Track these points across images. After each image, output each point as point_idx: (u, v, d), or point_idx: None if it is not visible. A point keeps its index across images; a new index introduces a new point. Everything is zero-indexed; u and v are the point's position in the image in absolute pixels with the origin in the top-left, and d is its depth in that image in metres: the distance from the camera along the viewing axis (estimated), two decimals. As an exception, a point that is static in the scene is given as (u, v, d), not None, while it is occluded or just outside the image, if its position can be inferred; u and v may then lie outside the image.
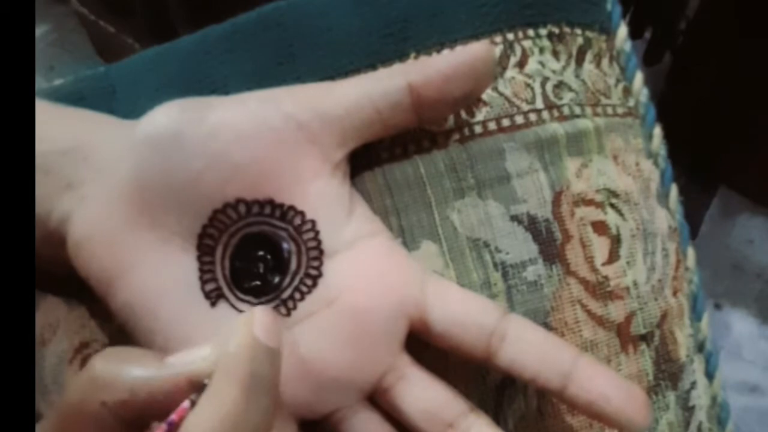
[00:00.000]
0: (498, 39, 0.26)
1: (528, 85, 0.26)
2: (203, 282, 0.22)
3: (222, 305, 0.22)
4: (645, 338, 0.26)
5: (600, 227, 0.26)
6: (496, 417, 0.24)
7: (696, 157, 0.90)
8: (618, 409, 0.21)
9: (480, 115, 0.25)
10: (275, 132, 0.22)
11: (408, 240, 0.24)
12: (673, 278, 0.27)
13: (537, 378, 0.22)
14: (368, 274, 0.23)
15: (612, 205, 0.26)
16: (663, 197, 0.29)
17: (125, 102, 0.26)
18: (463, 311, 0.23)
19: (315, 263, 0.23)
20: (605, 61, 0.28)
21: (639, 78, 0.29)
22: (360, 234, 0.23)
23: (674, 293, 0.27)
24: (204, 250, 0.22)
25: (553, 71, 0.27)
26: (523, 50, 0.26)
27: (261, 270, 0.23)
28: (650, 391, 0.26)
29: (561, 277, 0.25)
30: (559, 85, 0.26)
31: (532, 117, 0.26)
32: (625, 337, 0.25)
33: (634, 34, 0.83)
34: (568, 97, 0.26)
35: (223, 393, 0.17)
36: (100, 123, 0.23)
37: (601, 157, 0.26)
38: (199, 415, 0.17)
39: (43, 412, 0.25)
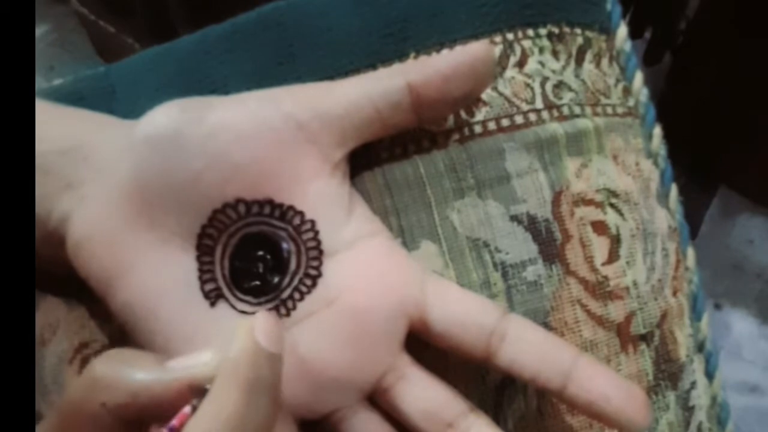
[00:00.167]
0: (498, 39, 0.26)
1: (528, 85, 0.26)
2: (203, 282, 0.22)
3: (221, 305, 0.22)
4: (645, 338, 0.26)
5: (600, 227, 0.26)
6: (496, 417, 0.24)
7: (696, 157, 0.90)
8: (618, 409, 0.21)
9: (480, 115, 0.25)
10: (275, 132, 0.22)
11: (408, 240, 0.24)
12: (673, 278, 0.27)
13: (537, 378, 0.22)
14: (368, 274, 0.23)
15: (612, 205, 0.26)
16: (663, 197, 0.29)
17: (125, 102, 0.26)
18: (462, 311, 0.23)
19: (314, 263, 0.23)
20: (605, 61, 0.28)
21: (639, 78, 0.29)
22: (360, 234, 0.23)
23: (674, 293, 0.27)
24: (203, 250, 0.22)
25: (553, 71, 0.27)
26: (523, 50, 0.26)
27: (260, 270, 0.23)
28: (650, 391, 0.26)
29: (561, 277, 0.25)
30: (559, 85, 0.26)
31: (532, 117, 0.26)
32: (625, 337, 0.25)
33: (634, 34, 0.83)
34: (567, 97, 0.26)
35: (225, 398, 0.17)
36: (99, 123, 0.23)
37: (601, 157, 0.26)
38: (201, 421, 0.17)
39: (43, 412, 0.25)
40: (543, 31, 0.27)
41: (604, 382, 0.22)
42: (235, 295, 0.22)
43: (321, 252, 0.23)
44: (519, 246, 0.25)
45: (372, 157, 0.25)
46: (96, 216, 0.22)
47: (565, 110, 0.26)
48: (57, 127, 0.23)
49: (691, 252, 0.29)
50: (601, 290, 0.25)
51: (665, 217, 0.28)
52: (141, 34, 0.81)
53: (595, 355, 0.25)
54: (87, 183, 0.22)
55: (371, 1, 0.26)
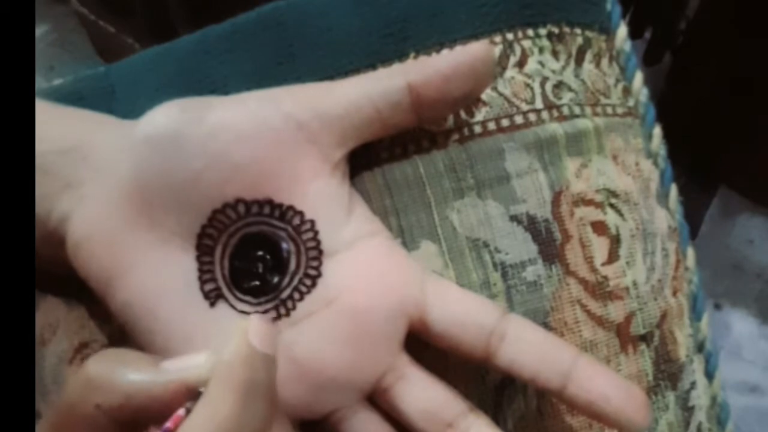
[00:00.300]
0: (497, 39, 0.26)
1: (527, 85, 0.26)
2: (202, 282, 0.22)
3: (221, 305, 0.22)
4: (645, 338, 0.26)
5: (599, 227, 0.26)
6: (496, 417, 0.24)
7: (696, 157, 0.90)
8: (618, 409, 0.21)
9: (479, 115, 0.25)
10: (275, 132, 0.22)
11: (407, 240, 0.24)
12: (672, 278, 0.27)
13: (536, 378, 0.22)
14: (368, 274, 0.23)
15: (611, 205, 0.26)
16: (663, 197, 0.29)
17: (125, 102, 0.26)
18: (462, 311, 0.23)
19: (314, 263, 0.23)
20: (605, 61, 0.28)
21: (639, 78, 0.29)
22: (359, 234, 0.23)
23: (674, 293, 0.27)
24: (203, 250, 0.22)
25: (553, 71, 0.27)
26: (523, 50, 0.26)
27: (260, 270, 0.23)
28: (650, 391, 0.26)
29: (560, 277, 0.25)
30: (559, 85, 0.26)
31: (532, 117, 0.26)
32: (625, 337, 0.25)
33: (634, 34, 0.83)
34: (567, 97, 0.26)
35: (219, 401, 0.17)
36: (99, 123, 0.23)
37: (601, 157, 0.26)
38: (195, 423, 0.17)
39: (43, 412, 0.25)
40: (543, 31, 0.27)
41: (603, 382, 0.22)
42: (234, 295, 0.22)
43: (321, 252, 0.23)
44: (519, 246, 0.25)
45: (372, 157, 0.25)
46: (96, 216, 0.22)
47: (565, 110, 0.26)
48: (57, 127, 0.23)
49: (691, 252, 0.29)
50: (600, 290, 0.25)
51: (665, 217, 0.28)
52: (141, 34, 0.81)
53: (594, 355, 0.25)
54: (87, 183, 0.22)
55: (371, 1, 0.26)
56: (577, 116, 0.26)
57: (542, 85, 0.26)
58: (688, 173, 0.91)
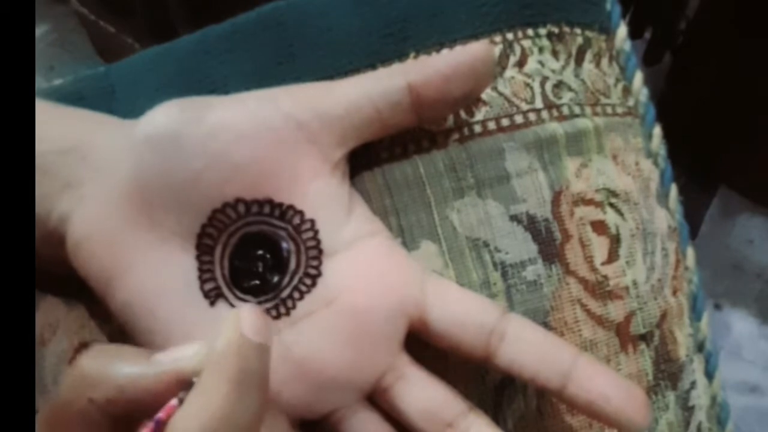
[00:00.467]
0: (497, 39, 0.26)
1: (527, 84, 0.26)
2: (202, 281, 0.22)
3: (221, 304, 0.22)
4: (644, 338, 0.26)
5: (599, 227, 0.26)
6: (496, 417, 0.24)
7: (696, 157, 0.90)
8: (618, 409, 0.21)
9: (479, 115, 0.25)
10: (275, 132, 0.22)
11: (407, 240, 0.24)
12: (672, 278, 0.27)
13: (536, 377, 0.22)
14: (368, 273, 0.23)
15: (611, 205, 0.26)
16: (663, 197, 0.29)
17: (125, 102, 0.26)
18: (462, 311, 0.23)
19: (314, 263, 0.23)
20: (605, 61, 0.28)
21: (639, 78, 0.29)
22: (359, 234, 0.23)
23: (674, 293, 0.27)
24: (203, 249, 0.22)
25: (553, 71, 0.27)
26: (523, 50, 0.26)
27: (260, 269, 0.23)
28: (650, 391, 0.26)
29: (560, 277, 0.25)
30: (559, 85, 0.26)
31: (532, 117, 0.26)
32: (625, 336, 0.25)
33: (634, 34, 0.83)
34: (567, 96, 0.27)
35: (212, 390, 0.17)
36: (99, 123, 0.23)
37: (601, 157, 0.26)
38: (187, 413, 0.17)
39: (43, 411, 0.25)
40: (543, 31, 0.27)
41: (603, 381, 0.22)
42: (234, 295, 0.22)
43: (320, 251, 0.23)
44: (519, 246, 0.25)
45: (372, 157, 0.25)
46: (95, 216, 0.22)
47: (565, 110, 0.26)
48: (57, 127, 0.23)
49: (691, 252, 0.29)
50: (600, 290, 0.25)
51: (665, 217, 0.28)
52: (141, 34, 0.81)
53: (594, 354, 0.25)
54: (87, 183, 0.22)
55: (371, 1, 0.26)
56: (577, 116, 0.26)
57: (542, 84, 0.26)
58: (688, 173, 0.91)
